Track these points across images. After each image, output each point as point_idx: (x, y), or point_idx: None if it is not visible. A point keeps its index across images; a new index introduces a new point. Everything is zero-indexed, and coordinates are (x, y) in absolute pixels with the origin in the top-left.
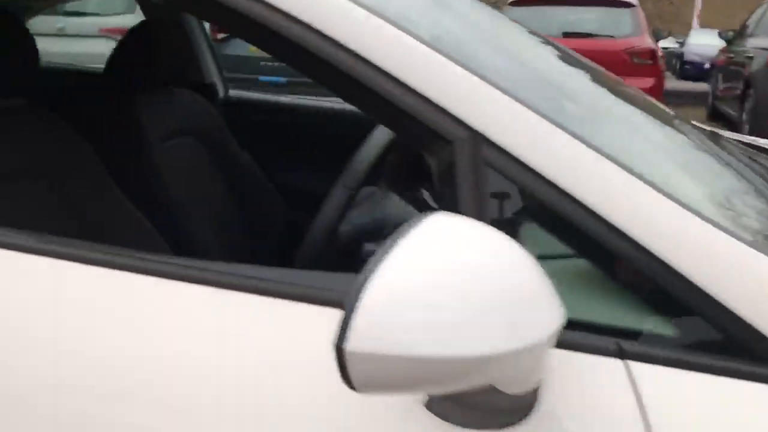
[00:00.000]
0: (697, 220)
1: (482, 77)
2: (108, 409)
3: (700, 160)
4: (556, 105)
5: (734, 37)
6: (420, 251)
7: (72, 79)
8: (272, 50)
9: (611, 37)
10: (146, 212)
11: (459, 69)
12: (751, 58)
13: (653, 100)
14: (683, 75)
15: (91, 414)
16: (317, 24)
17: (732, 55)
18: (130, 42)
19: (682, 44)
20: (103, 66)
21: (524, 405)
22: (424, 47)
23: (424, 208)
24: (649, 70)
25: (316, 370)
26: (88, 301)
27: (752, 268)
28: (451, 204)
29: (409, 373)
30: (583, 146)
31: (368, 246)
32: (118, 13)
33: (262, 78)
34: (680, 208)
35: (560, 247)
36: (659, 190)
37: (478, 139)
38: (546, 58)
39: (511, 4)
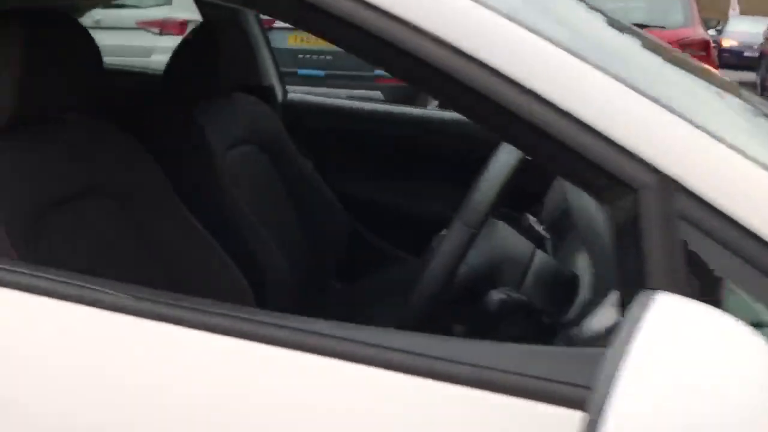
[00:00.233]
0: None
1: (672, 110)
2: None
3: None
4: (760, 142)
5: None
6: (663, 352)
7: (123, 81)
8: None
9: (662, 27)
10: (210, 227)
11: (645, 101)
12: None
13: None
14: (721, 64)
15: None
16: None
17: None
18: (190, 45)
19: (719, 32)
20: (138, 59)
21: None
22: (600, 75)
23: (548, 247)
24: (703, 62)
25: None
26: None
27: None
28: (632, 265)
29: None
30: None
31: (495, 294)
32: (155, 5)
33: (300, 71)
34: None
35: None
36: None
37: (670, 186)
38: (697, 83)
39: None
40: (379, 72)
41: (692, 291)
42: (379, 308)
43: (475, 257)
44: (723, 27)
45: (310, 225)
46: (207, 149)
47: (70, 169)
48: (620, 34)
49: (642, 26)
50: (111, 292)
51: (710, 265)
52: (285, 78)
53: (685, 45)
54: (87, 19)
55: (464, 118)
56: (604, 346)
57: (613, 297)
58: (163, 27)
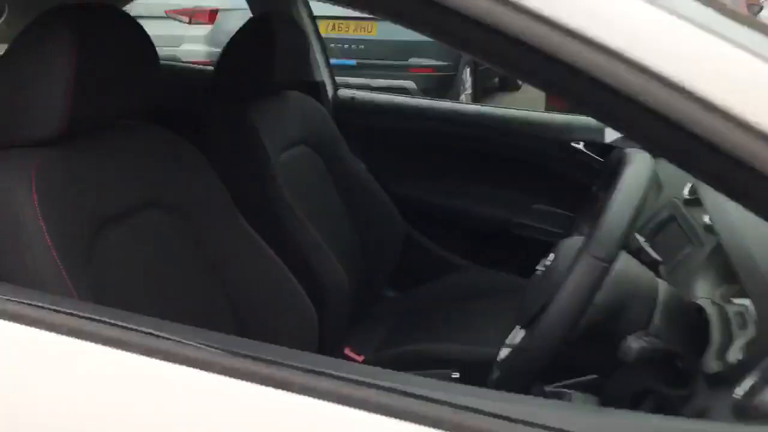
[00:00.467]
0: None
1: None
2: None
3: None
4: None
5: None
6: None
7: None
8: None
9: None
10: (266, 237)
11: None
12: None
13: None
14: None
15: None
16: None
17: None
18: (244, 39)
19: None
20: (167, 49)
21: None
22: None
23: (663, 273)
24: None
25: None
26: None
27: None
28: None
29: None
30: None
31: (634, 342)
32: None
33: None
34: None
35: None
36: None
37: None
38: None
39: None
40: (412, 61)
41: None
42: (435, 320)
43: (600, 294)
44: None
45: (364, 231)
46: (262, 152)
47: (126, 181)
48: None
49: None
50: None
51: None
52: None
53: None
54: None
55: (528, 116)
56: None
57: None
58: (193, 16)
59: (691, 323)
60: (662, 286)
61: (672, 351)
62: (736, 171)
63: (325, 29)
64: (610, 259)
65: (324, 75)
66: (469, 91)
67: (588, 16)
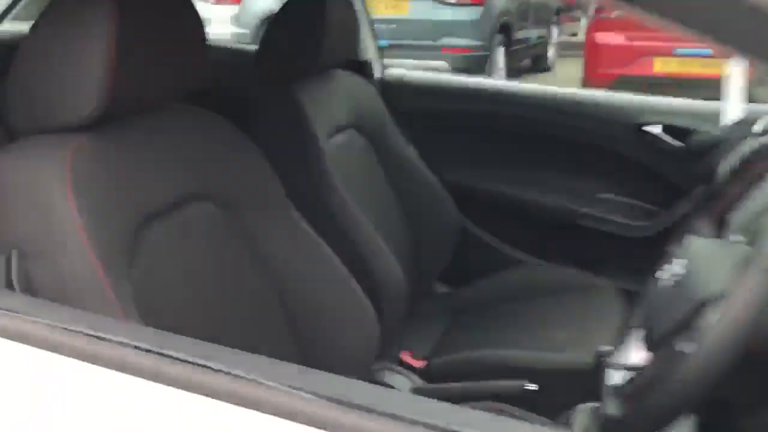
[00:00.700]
0: None
1: None
2: None
3: None
4: None
5: None
6: None
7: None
8: None
9: None
10: (317, 231)
11: None
12: None
13: None
14: None
15: None
16: None
17: None
18: (292, 15)
19: None
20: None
21: None
22: None
23: None
24: None
25: None
26: None
27: None
28: None
29: None
30: None
31: None
32: None
33: None
34: None
35: None
36: None
37: None
38: None
39: None
40: (444, 41)
41: None
42: (496, 321)
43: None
44: None
45: (416, 222)
46: (311, 138)
47: (172, 171)
48: None
49: None
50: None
51: None
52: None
53: None
54: None
55: (596, 97)
56: None
57: None
58: None
59: None
60: None
61: None
62: None
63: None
64: None
65: (371, 53)
66: (502, 71)
67: None
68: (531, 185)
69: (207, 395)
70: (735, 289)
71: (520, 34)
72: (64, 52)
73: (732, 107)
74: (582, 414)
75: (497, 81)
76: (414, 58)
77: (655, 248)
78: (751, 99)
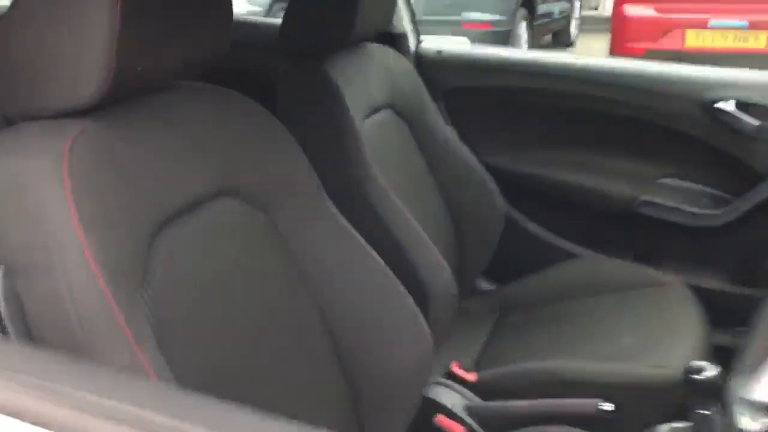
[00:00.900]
0: None
1: None
2: None
3: None
4: None
5: None
6: None
7: None
8: None
9: None
10: (355, 226)
11: None
12: None
13: None
14: None
15: None
16: None
17: None
18: None
19: None
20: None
21: None
22: None
23: None
24: None
25: None
26: None
27: None
28: None
29: None
30: None
31: None
32: None
33: None
34: None
35: None
36: None
37: None
38: None
39: None
40: (465, 16)
41: None
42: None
43: None
44: None
45: (458, 212)
46: (345, 119)
47: (193, 163)
48: None
49: None
50: None
51: None
52: None
53: None
54: None
55: (660, 70)
56: None
57: None
58: None
59: None
60: None
61: None
62: None
63: None
64: None
65: (406, 24)
66: (525, 47)
67: None
68: (584, 169)
69: None
70: None
71: (543, 8)
72: (57, 21)
73: None
74: None
75: (544, 53)
76: (433, 34)
77: (726, 240)
78: None
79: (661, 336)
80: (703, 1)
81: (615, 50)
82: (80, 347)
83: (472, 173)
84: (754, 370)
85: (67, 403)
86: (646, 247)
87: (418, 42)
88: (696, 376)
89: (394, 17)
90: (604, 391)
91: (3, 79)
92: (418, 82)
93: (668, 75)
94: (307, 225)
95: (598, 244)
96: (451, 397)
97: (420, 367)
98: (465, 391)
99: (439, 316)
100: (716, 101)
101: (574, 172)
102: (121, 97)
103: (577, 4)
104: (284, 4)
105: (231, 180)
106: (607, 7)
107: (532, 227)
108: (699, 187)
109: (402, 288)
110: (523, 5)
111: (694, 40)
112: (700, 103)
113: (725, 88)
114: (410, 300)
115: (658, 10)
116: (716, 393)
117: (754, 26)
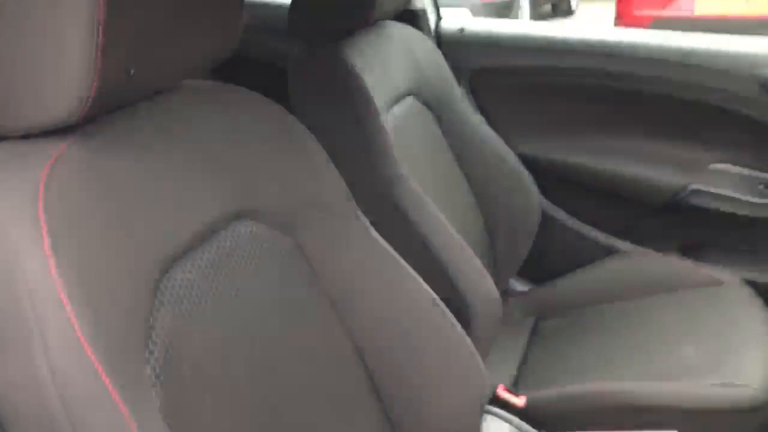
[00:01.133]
0: None
1: None
2: None
3: None
4: None
5: None
6: None
7: None
8: None
9: None
10: (383, 232)
11: None
12: None
13: None
14: None
15: None
16: None
17: None
18: None
19: None
20: None
21: None
22: None
23: None
24: None
25: None
26: None
27: None
28: None
29: None
30: None
31: None
32: None
33: None
34: None
35: None
36: None
37: None
38: None
39: None
40: None
41: None
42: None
43: None
44: None
45: (489, 208)
46: (369, 112)
47: (202, 182)
48: None
49: None
50: None
51: None
52: None
53: None
54: None
55: (710, 45)
56: None
57: None
58: None
59: None
60: None
61: None
62: None
63: None
64: None
65: (426, 0)
66: (526, 17)
67: None
68: (626, 156)
69: None
70: None
71: None
72: (26, 18)
73: None
74: None
75: (577, 27)
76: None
77: None
78: None
79: (727, 344)
80: None
81: (620, 19)
82: None
83: (504, 164)
84: None
85: None
86: (696, 240)
87: (438, 18)
88: None
89: None
90: (672, 416)
91: None
92: (443, 64)
93: (719, 48)
94: (342, 246)
95: (642, 238)
96: (501, 428)
97: (472, 410)
98: (513, 418)
99: (485, 340)
100: None
101: (615, 159)
102: (110, 107)
103: None
104: None
105: (249, 200)
106: None
107: (571, 222)
108: (756, 173)
109: (452, 319)
110: None
111: (704, 6)
112: (757, 80)
113: None
114: (461, 332)
115: None
116: None
117: None
